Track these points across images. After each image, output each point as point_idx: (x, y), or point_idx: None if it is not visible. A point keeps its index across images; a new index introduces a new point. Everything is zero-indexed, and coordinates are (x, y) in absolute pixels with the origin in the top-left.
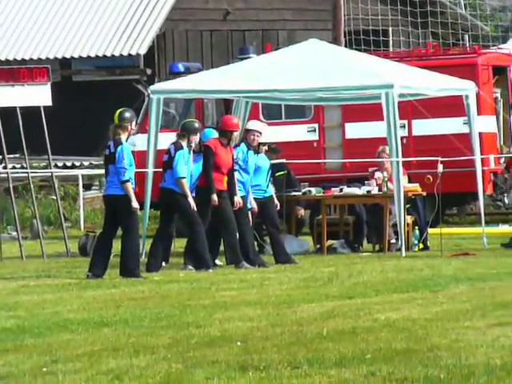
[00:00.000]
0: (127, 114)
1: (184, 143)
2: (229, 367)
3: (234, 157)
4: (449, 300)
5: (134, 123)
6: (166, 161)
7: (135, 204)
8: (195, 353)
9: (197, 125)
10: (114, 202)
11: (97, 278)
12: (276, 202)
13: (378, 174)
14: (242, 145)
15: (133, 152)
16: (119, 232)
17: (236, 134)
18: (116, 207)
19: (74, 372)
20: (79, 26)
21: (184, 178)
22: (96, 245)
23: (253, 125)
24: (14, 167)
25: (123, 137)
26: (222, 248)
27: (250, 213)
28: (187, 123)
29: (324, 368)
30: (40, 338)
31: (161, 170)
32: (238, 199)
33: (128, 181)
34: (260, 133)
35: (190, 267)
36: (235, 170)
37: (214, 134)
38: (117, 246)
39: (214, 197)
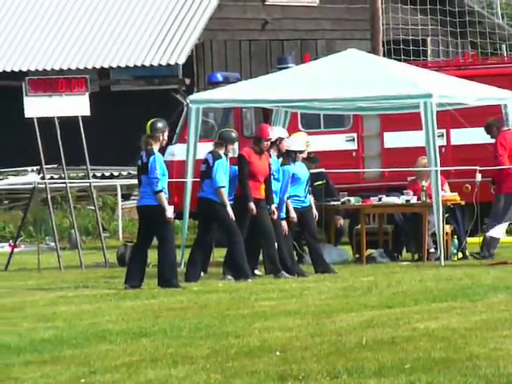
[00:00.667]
0: (159, 125)
1: (221, 152)
2: (268, 377)
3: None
4: (488, 309)
5: (166, 133)
6: (204, 170)
7: (169, 214)
8: (234, 363)
9: (234, 134)
10: (148, 213)
11: (134, 289)
12: (315, 211)
13: (422, 183)
14: (273, 154)
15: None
16: (155, 242)
17: (267, 144)
18: (150, 217)
19: (113, 383)
20: (118, 35)
21: (223, 187)
22: (131, 256)
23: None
24: (51, 177)
25: (155, 147)
26: (260, 258)
27: (286, 222)
28: (224, 132)
29: (363, 378)
30: (78, 349)
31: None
32: (273, 208)
33: (161, 191)
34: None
35: (229, 277)
36: (273, 177)
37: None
38: (154, 256)
39: (252, 205)
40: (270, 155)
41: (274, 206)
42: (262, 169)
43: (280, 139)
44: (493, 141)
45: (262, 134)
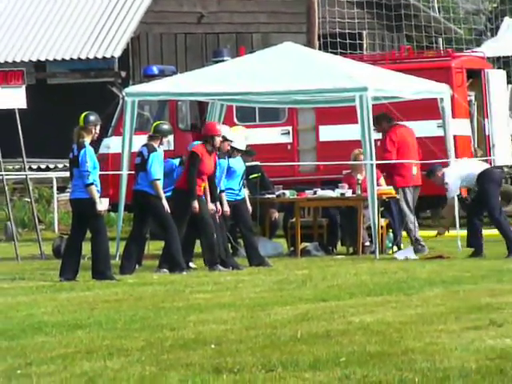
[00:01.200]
0: (92, 118)
1: (156, 145)
2: (203, 370)
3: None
4: (423, 303)
5: (98, 127)
6: (139, 163)
7: (100, 207)
8: (169, 355)
9: (168, 127)
10: (80, 206)
11: (69, 281)
12: (248, 205)
13: (357, 176)
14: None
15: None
16: (88, 235)
17: (219, 140)
18: (82, 210)
19: (48, 374)
20: (54, 28)
21: (159, 179)
22: (65, 248)
23: (226, 132)
24: None
25: (87, 140)
26: (196, 251)
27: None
28: (159, 125)
29: (298, 371)
30: (14, 341)
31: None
32: (212, 206)
33: (92, 184)
34: (231, 141)
35: (165, 270)
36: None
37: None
38: (89, 248)
39: (195, 203)
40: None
41: (212, 205)
42: (209, 167)
43: (224, 139)
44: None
45: (214, 130)
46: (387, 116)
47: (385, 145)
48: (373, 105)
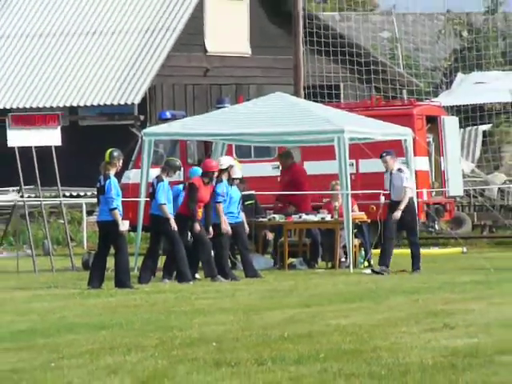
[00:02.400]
0: (115, 153)
1: (164, 176)
2: (206, 364)
3: (220, 191)
4: (389, 309)
5: (121, 161)
6: (151, 192)
7: (122, 227)
8: (178, 351)
9: (178, 163)
10: (105, 227)
11: (95, 289)
12: (246, 226)
13: (335, 203)
14: (224, 179)
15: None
16: (112, 251)
17: (213, 174)
18: (107, 231)
19: (77, 367)
20: (85, 79)
21: (164, 204)
22: (93, 262)
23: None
24: (29, 196)
25: (112, 172)
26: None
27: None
28: (169, 161)
29: (285, 365)
30: (49, 339)
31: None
32: (210, 230)
33: (116, 208)
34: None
35: (167, 280)
36: (220, 202)
37: (197, 170)
38: (112, 262)
39: (197, 226)
40: (220, 181)
41: (210, 228)
42: (205, 196)
43: (231, 166)
44: None
45: (209, 167)
46: (291, 154)
47: (295, 178)
48: (349, 144)
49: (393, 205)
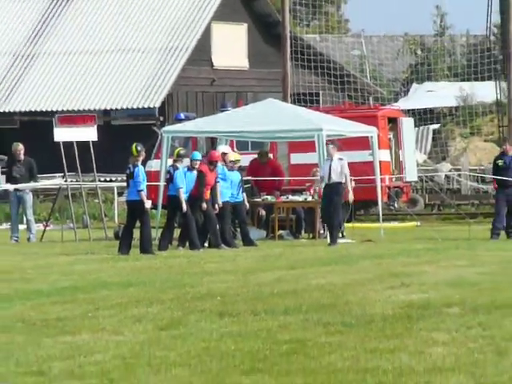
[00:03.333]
0: (139, 147)
1: (178, 165)
2: (212, 314)
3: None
4: (358, 271)
5: (143, 152)
6: (168, 178)
7: (147, 205)
8: (189, 304)
9: (184, 153)
10: (133, 205)
11: (124, 255)
12: (247, 204)
13: (315, 187)
14: (220, 163)
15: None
16: (138, 224)
17: (216, 162)
18: (134, 208)
19: (109, 316)
20: (116, 87)
21: (181, 187)
22: (122, 233)
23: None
24: (71, 181)
25: (139, 161)
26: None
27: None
28: (179, 151)
29: (275, 315)
30: (87, 294)
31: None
32: (216, 206)
33: (142, 190)
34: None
35: (181, 248)
36: (218, 182)
37: (198, 155)
38: (137, 233)
39: (204, 205)
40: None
41: (216, 205)
42: (211, 180)
43: (224, 153)
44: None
45: (213, 158)
46: (267, 153)
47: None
48: (326, 140)
49: (330, 185)
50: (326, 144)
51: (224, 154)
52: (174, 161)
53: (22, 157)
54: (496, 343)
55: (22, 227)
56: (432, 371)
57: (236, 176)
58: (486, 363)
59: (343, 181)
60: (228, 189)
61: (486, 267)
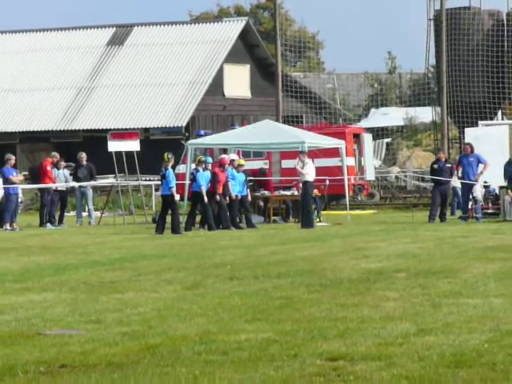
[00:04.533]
0: (169, 155)
1: (200, 168)
2: (224, 278)
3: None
4: (331, 246)
5: (172, 159)
6: (192, 178)
7: (176, 198)
8: (207, 271)
9: (203, 159)
10: (166, 198)
11: (160, 235)
12: (249, 197)
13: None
14: (230, 168)
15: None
16: (169, 212)
17: (226, 166)
18: (166, 200)
19: (148, 280)
20: (153, 111)
21: (202, 185)
22: (158, 219)
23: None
24: (121, 180)
25: (169, 165)
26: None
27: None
28: (200, 158)
29: (270, 278)
30: (132, 263)
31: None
32: (227, 198)
33: (172, 187)
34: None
35: (202, 229)
36: (228, 181)
37: (210, 160)
38: (169, 218)
39: (217, 197)
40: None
41: (227, 197)
42: (222, 179)
43: (233, 160)
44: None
45: (223, 162)
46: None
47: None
48: (308, 150)
49: (308, 183)
50: (298, 153)
51: (233, 160)
52: (196, 165)
53: (84, 162)
54: (432, 299)
55: (84, 214)
56: (385, 319)
57: (241, 176)
58: (424, 314)
59: (310, 179)
60: (235, 186)
61: (425, 243)
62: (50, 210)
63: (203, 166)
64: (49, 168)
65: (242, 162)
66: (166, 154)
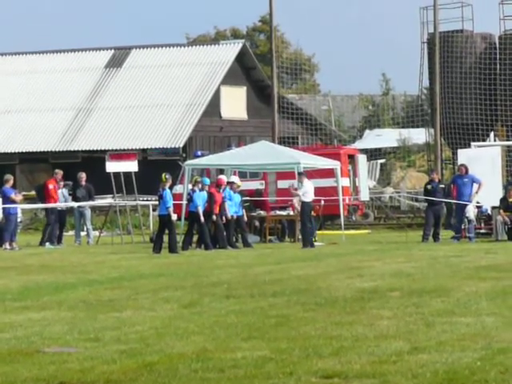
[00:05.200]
0: (167, 176)
1: (196, 188)
2: (221, 297)
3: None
4: (326, 265)
5: (170, 180)
6: (189, 198)
7: (173, 217)
8: (204, 289)
9: (199, 179)
10: (163, 218)
11: (157, 254)
12: (245, 217)
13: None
14: (228, 189)
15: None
16: (166, 232)
17: (223, 187)
18: (164, 220)
19: (146, 298)
20: (151, 133)
21: (199, 205)
22: (155, 238)
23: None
24: (119, 200)
25: (167, 186)
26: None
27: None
28: (197, 179)
29: (266, 297)
30: (130, 282)
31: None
32: (224, 218)
33: (169, 207)
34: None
35: (198, 249)
36: (225, 201)
37: (207, 181)
38: (166, 238)
39: (214, 217)
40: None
41: (224, 217)
42: (219, 199)
43: (232, 183)
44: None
45: (220, 183)
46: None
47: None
48: (304, 170)
49: (304, 204)
50: (299, 174)
51: (232, 182)
52: (193, 185)
53: (83, 183)
54: (425, 318)
55: (82, 234)
56: (379, 338)
57: (237, 197)
58: (418, 332)
59: (306, 200)
60: (232, 206)
61: (418, 263)
62: (52, 229)
63: (199, 186)
64: (51, 187)
65: (239, 183)
66: (163, 175)
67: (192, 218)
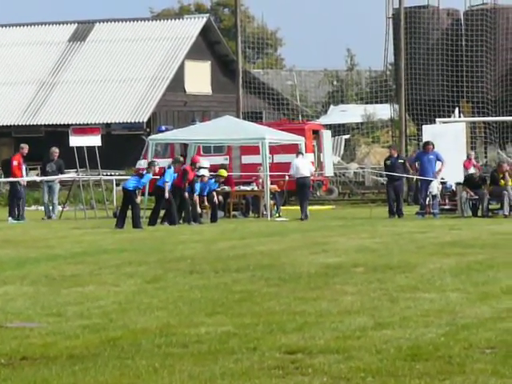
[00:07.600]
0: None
1: (172, 166)
2: (185, 272)
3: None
4: (290, 241)
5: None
6: (162, 173)
7: (138, 199)
8: (168, 265)
9: (181, 159)
10: (127, 192)
11: (120, 229)
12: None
13: (260, 180)
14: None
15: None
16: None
17: (198, 164)
18: (128, 195)
19: (110, 273)
20: (115, 107)
21: (168, 182)
22: (119, 213)
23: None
24: (82, 174)
25: (150, 173)
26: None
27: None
28: (176, 157)
29: (230, 273)
30: (92, 257)
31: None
32: (195, 195)
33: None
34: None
35: (166, 223)
36: (196, 181)
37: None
38: (129, 213)
39: (185, 194)
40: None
41: (195, 195)
42: (191, 177)
43: (202, 176)
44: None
45: (195, 161)
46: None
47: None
48: (269, 145)
49: (300, 179)
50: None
51: (202, 175)
52: (172, 162)
53: (55, 158)
54: (389, 293)
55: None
56: (343, 313)
57: (214, 185)
58: (382, 308)
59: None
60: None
61: (383, 238)
62: (16, 204)
63: (176, 166)
64: (15, 163)
65: (224, 173)
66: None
67: (159, 193)
